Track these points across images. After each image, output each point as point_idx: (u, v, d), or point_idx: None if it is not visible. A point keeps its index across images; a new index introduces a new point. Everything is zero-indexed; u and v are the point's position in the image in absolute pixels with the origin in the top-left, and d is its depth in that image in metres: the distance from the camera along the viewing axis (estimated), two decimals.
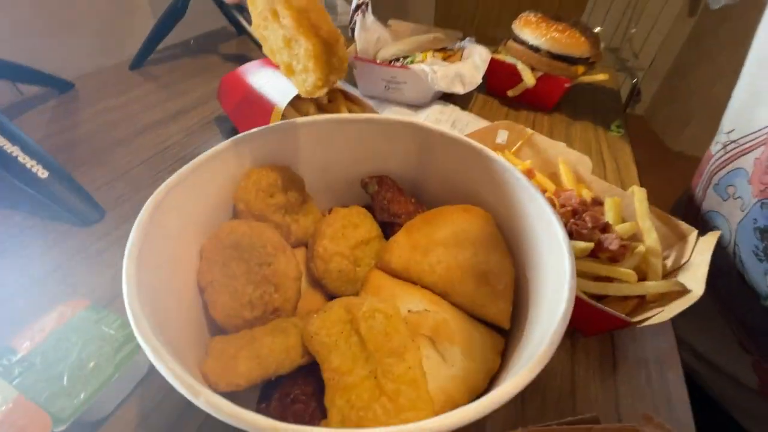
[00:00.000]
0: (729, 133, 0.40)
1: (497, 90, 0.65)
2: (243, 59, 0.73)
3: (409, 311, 0.22)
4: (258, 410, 0.21)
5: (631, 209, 0.35)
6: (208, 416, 0.23)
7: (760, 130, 0.35)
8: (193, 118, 0.56)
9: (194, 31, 0.78)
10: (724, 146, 0.41)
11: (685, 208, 0.47)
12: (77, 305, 0.26)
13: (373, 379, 0.19)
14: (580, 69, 0.58)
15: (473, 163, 0.27)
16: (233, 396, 0.19)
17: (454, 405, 0.19)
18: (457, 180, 0.29)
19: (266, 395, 0.21)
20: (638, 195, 0.35)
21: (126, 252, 0.18)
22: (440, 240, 0.25)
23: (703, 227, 0.42)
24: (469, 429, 0.24)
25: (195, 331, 0.22)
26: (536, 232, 0.23)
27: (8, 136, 0.35)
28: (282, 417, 0.20)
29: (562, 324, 0.18)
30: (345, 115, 0.31)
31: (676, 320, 0.46)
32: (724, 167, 0.41)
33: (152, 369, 0.26)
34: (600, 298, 0.32)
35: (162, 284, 0.20)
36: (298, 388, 0.21)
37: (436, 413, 0.16)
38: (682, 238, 0.34)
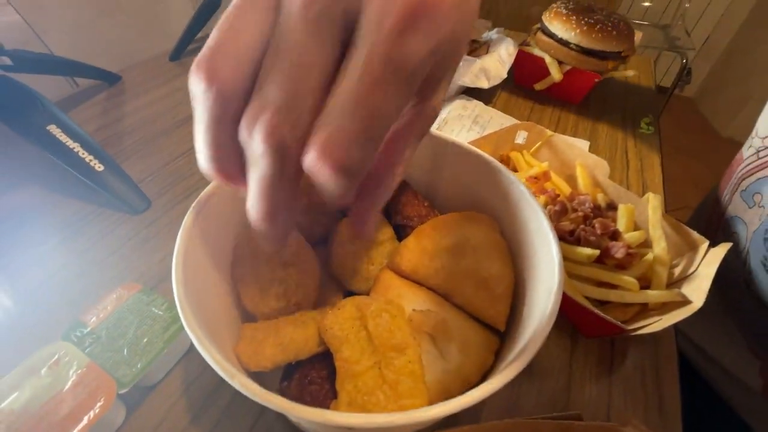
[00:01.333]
0: (765, 138, 0.39)
1: (524, 82, 0.65)
2: None
3: (413, 310, 0.25)
4: (280, 388, 0.24)
5: (645, 216, 0.36)
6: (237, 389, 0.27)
7: None
8: None
9: None
10: (758, 151, 0.40)
11: (711, 209, 0.46)
12: (132, 288, 0.30)
13: (378, 370, 0.22)
14: (611, 64, 0.57)
15: (482, 173, 0.29)
16: (260, 374, 0.23)
17: (448, 395, 0.22)
18: (466, 187, 0.30)
19: (288, 375, 0.25)
20: (652, 203, 0.36)
21: (174, 256, 0.21)
22: (446, 246, 0.27)
23: (724, 232, 0.42)
24: (465, 418, 0.27)
25: (230, 318, 0.26)
26: (534, 243, 0.25)
27: (71, 134, 0.39)
28: (300, 395, 0.23)
29: (545, 327, 0.20)
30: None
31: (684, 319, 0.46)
32: (753, 173, 0.40)
33: (193, 346, 0.31)
34: (604, 303, 0.33)
35: (203, 279, 0.23)
36: (315, 371, 0.24)
37: (431, 402, 0.19)
38: (694, 247, 0.34)
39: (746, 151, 0.42)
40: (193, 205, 0.24)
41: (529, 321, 0.23)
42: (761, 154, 0.39)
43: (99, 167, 0.40)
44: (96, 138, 0.44)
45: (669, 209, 0.54)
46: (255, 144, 0.12)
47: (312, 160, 0.12)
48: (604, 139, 0.56)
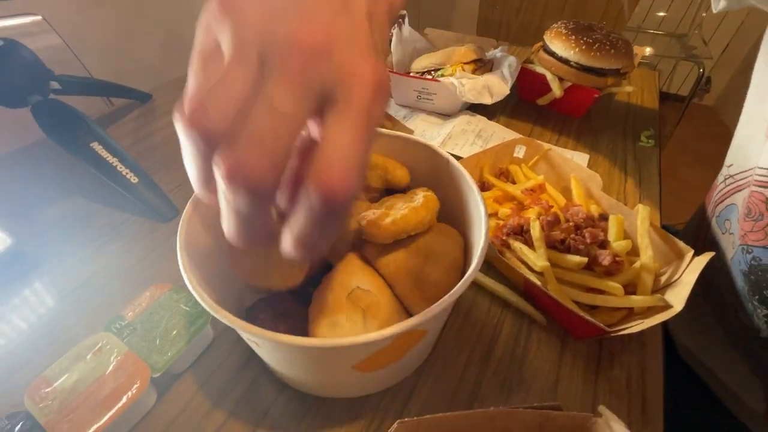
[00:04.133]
0: (729, 167, 0.41)
1: (528, 97, 0.67)
2: None
3: (358, 287, 0.28)
4: (259, 320, 0.28)
5: (635, 226, 0.38)
6: (255, 375, 0.31)
7: (750, 169, 0.36)
8: None
9: None
10: (725, 179, 0.41)
11: (696, 228, 0.47)
12: (163, 287, 0.34)
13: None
14: (610, 80, 0.59)
15: (465, 190, 0.32)
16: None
17: None
18: (452, 198, 0.33)
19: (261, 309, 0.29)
20: (641, 214, 0.38)
21: (179, 228, 0.26)
22: (405, 245, 0.30)
23: (713, 258, 0.43)
24: (461, 403, 0.30)
25: (235, 290, 0.30)
26: (472, 215, 0.30)
27: (111, 150, 0.44)
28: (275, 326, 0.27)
29: (463, 284, 0.24)
30: (386, 132, 0.36)
31: (684, 336, 0.47)
32: (722, 201, 0.41)
33: (215, 339, 0.34)
34: (593, 307, 0.35)
35: (207, 260, 0.27)
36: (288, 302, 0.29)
37: None
38: (680, 256, 0.36)
39: (719, 179, 0.43)
40: (190, 199, 0.28)
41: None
42: (728, 182, 0.41)
43: (134, 179, 0.45)
44: (130, 152, 0.49)
45: (683, 220, 0.55)
46: (219, 180, 0.15)
47: (323, 187, 0.14)
48: (605, 152, 0.58)
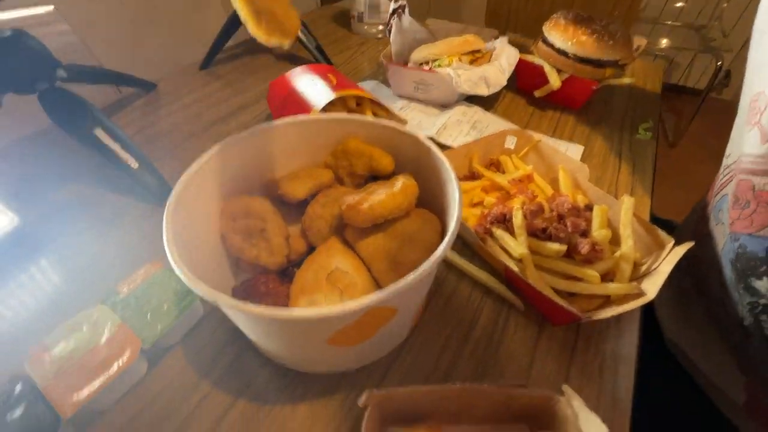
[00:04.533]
0: (728, 157, 0.41)
1: (526, 89, 0.67)
2: (293, 57, 0.82)
3: (336, 268, 0.30)
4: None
5: (621, 217, 0.38)
6: (240, 351, 0.32)
7: (739, 159, 0.36)
8: (250, 114, 0.65)
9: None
10: (723, 170, 0.41)
11: (695, 222, 0.47)
12: (156, 266, 0.36)
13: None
14: (608, 71, 0.58)
15: (444, 177, 0.32)
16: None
17: None
18: (432, 185, 0.34)
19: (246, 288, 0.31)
20: (625, 204, 0.38)
21: (164, 218, 0.27)
22: (384, 229, 0.31)
23: (704, 245, 0.42)
24: (435, 382, 0.31)
25: (219, 264, 0.32)
26: (447, 191, 0.31)
27: (113, 136, 0.46)
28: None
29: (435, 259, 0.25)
30: (368, 117, 0.37)
31: (672, 329, 0.47)
32: (719, 192, 0.41)
33: (204, 316, 0.36)
34: (572, 294, 0.36)
35: (192, 234, 0.29)
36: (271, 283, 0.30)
37: None
38: (662, 246, 0.37)
39: (720, 169, 0.43)
40: (179, 180, 0.30)
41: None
42: (725, 172, 0.41)
43: (135, 165, 0.47)
44: (135, 139, 0.51)
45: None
46: None
47: None
48: (600, 143, 0.58)
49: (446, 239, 0.26)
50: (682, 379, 0.46)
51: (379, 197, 0.30)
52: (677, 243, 0.35)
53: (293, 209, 0.37)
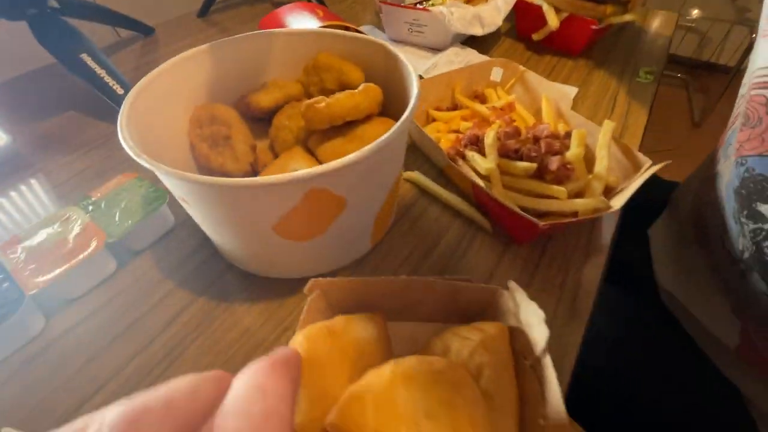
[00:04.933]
0: (743, 87, 0.38)
1: (526, 33, 0.64)
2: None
3: (293, 169, 0.30)
4: None
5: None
6: (207, 257, 0.33)
7: (752, 76, 0.34)
8: None
9: None
10: (737, 101, 0.39)
11: (705, 167, 0.44)
12: (130, 176, 0.37)
13: None
14: (609, 9, 0.55)
15: (409, 85, 0.32)
16: None
17: None
18: (401, 95, 0.33)
19: None
20: (605, 127, 0.37)
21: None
22: (344, 134, 0.31)
23: (708, 188, 0.40)
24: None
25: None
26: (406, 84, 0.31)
27: (99, 62, 0.47)
28: None
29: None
30: (338, 31, 0.37)
31: (668, 279, 0.46)
32: (731, 127, 0.39)
33: (176, 227, 0.37)
34: (543, 215, 0.35)
35: (160, 142, 0.29)
36: None
37: None
38: (639, 169, 0.35)
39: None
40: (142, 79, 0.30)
41: None
42: (738, 103, 0.38)
43: (120, 90, 0.47)
44: (129, 77, 0.52)
45: None
46: None
47: None
48: (596, 86, 0.55)
49: (397, 124, 0.25)
50: (671, 329, 0.45)
51: (338, 96, 0.30)
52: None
53: (263, 125, 0.37)
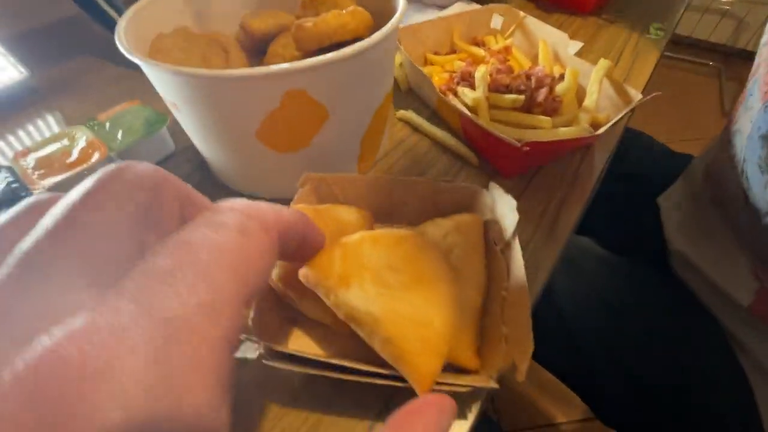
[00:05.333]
0: (765, 35, 0.37)
1: None
2: None
3: None
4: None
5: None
6: (203, 179, 0.35)
7: None
8: None
9: None
10: (758, 54, 0.38)
11: (723, 128, 0.43)
12: (134, 103, 0.39)
13: None
14: None
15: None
16: None
17: None
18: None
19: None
20: (600, 65, 0.37)
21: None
22: None
23: (728, 147, 0.39)
24: None
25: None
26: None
27: (110, 5, 0.49)
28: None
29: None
30: None
31: (680, 240, 0.45)
32: (751, 78, 0.38)
33: (176, 153, 0.39)
34: None
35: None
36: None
37: None
38: (630, 103, 0.35)
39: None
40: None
41: None
42: (757, 54, 0.37)
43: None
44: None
45: None
46: None
47: None
48: (602, 42, 0.54)
49: (378, 32, 0.26)
50: (680, 292, 0.44)
51: (324, 16, 0.31)
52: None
53: (256, 55, 0.38)
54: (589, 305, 0.45)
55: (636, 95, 0.34)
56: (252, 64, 0.37)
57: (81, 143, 0.35)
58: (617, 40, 0.54)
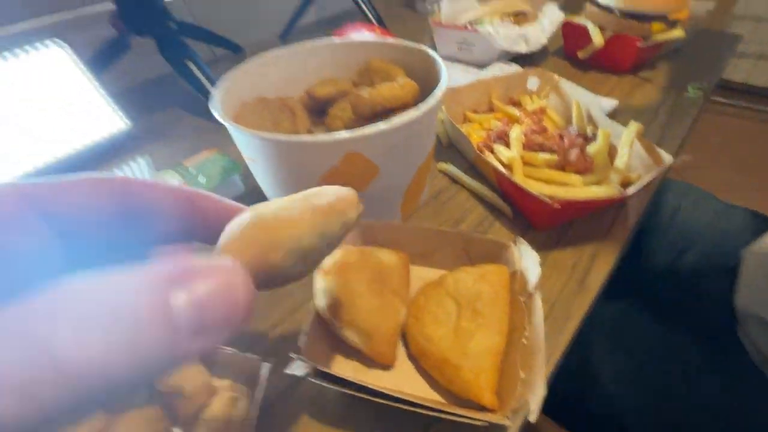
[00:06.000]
0: None
1: (572, 52, 0.67)
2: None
3: None
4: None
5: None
6: None
7: None
8: None
9: (332, 9, 1.00)
10: None
11: None
12: (214, 151, 0.46)
13: None
14: (655, 26, 0.57)
15: (438, 71, 0.37)
16: None
17: None
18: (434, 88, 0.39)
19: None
20: (630, 127, 0.39)
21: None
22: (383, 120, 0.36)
23: None
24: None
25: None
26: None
27: (200, 69, 0.59)
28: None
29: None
30: (387, 39, 0.44)
31: (755, 296, 0.43)
32: None
33: (243, 194, 0.45)
34: None
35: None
36: None
37: None
38: (660, 164, 0.37)
39: None
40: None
41: None
42: None
43: (208, 86, 0.58)
44: None
45: None
46: None
47: None
48: (639, 100, 0.57)
49: (424, 103, 0.31)
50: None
51: (379, 87, 0.36)
52: None
53: (320, 118, 0.44)
54: (633, 382, 0.43)
55: (667, 157, 0.36)
56: (314, 124, 0.43)
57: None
58: (653, 99, 0.56)
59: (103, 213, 0.15)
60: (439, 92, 0.33)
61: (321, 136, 0.28)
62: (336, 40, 0.45)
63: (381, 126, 0.29)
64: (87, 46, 0.60)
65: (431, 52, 0.39)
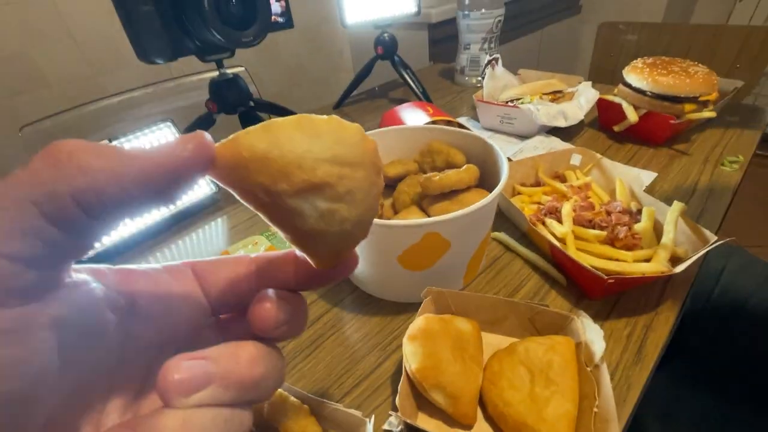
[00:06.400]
0: None
1: (608, 126, 0.73)
2: (404, 101, 1.01)
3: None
4: None
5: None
6: (340, 282, 0.46)
7: None
8: None
9: (377, 81, 1.12)
10: None
11: None
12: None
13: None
14: (687, 107, 0.62)
15: (500, 164, 0.43)
16: None
17: None
18: (493, 174, 0.45)
19: None
20: (674, 207, 0.43)
21: None
22: (450, 198, 0.42)
23: None
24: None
25: None
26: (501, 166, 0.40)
27: None
28: None
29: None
30: (447, 127, 0.51)
31: None
32: None
33: None
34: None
35: None
36: None
37: None
38: (706, 243, 0.40)
39: None
40: None
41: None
42: None
43: None
44: None
45: None
46: None
47: None
48: (676, 173, 0.61)
49: (490, 195, 0.36)
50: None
51: (447, 173, 0.42)
52: None
53: (387, 191, 0.51)
54: None
55: (711, 237, 0.40)
56: (385, 196, 0.50)
57: (261, 249, 0.48)
58: (691, 171, 0.60)
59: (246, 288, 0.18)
60: (503, 180, 0.38)
61: (410, 221, 0.34)
62: (402, 126, 0.52)
63: (460, 212, 0.35)
64: (185, 122, 0.72)
65: (490, 142, 0.46)
